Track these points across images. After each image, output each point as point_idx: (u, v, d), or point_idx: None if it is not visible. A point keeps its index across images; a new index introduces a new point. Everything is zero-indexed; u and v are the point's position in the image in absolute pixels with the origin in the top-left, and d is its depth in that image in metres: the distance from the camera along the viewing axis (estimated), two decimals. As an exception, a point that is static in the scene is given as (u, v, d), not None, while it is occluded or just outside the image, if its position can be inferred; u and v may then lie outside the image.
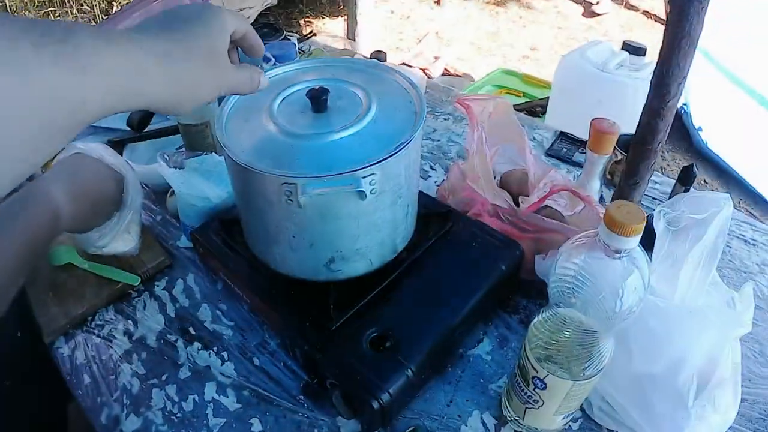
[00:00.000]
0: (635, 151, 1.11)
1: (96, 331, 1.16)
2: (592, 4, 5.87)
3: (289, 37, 1.71)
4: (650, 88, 1.02)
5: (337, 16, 5.81)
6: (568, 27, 5.71)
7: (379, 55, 1.72)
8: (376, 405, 0.83)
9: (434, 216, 1.13)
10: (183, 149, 1.37)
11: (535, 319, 0.83)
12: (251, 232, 0.99)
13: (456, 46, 5.35)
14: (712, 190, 3.03)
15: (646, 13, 5.82)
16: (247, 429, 0.97)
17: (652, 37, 4.81)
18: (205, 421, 0.98)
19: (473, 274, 1.03)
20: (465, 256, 1.06)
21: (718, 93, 3.58)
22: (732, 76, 3.50)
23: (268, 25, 1.66)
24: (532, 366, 0.81)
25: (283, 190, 0.78)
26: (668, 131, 1.07)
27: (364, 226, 0.87)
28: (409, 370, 0.87)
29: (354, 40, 4.48)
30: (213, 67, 0.64)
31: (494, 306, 1.13)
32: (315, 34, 2.24)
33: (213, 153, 1.24)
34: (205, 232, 1.14)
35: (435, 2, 6.32)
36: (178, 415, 1.00)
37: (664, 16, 5.16)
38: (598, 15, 5.78)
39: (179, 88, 0.59)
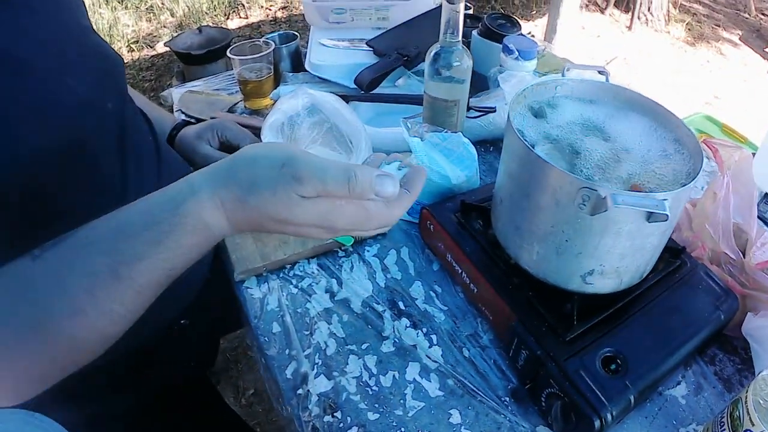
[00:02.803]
0: None
1: (294, 282, 1.22)
2: (781, 61, 5.74)
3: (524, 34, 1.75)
4: None
5: (529, 20, 5.88)
6: (753, 81, 5.59)
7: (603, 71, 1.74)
8: (597, 424, 0.86)
9: (667, 250, 1.14)
10: (419, 120, 1.41)
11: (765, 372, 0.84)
12: (509, 223, 1.03)
13: (641, 76, 5.31)
14: None
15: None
16: (445, 419, 0.99)
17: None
18: (402, 401, 1.01)
19: (695, 315, 1.04)
20: (689, 296, 1.08)
21: None
22: None
23: (506, 17, 1.70)
24: (750, 419, 0.82)
25: (580, 194, 0.82)
26: None
27: (635, 247, 0.91)
28: (632, 396, 0.90)
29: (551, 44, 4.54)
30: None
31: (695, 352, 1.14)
32: (533, 35, 2.27)
33: (459, 133, 1.27)
34: (442, 210, 1.18)
35: (627, 27, 6.33)
36: (374, 388, 1.03)
37: None
38: (786, 74, 5.64)
39: None
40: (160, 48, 5.82)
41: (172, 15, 6.53)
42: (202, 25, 4.98)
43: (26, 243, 0.74)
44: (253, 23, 6.42)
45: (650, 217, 0.83)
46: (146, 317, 0.77)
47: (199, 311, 1.31)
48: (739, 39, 6.36)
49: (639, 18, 6.43)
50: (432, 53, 1.26)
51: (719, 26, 6.62)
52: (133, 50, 5.83)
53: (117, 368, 0.90)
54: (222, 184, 0.73)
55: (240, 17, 6.57)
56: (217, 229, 0.74)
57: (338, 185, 0.70)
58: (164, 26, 6.32)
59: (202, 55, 4.42)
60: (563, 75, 1.09)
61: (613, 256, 0.91)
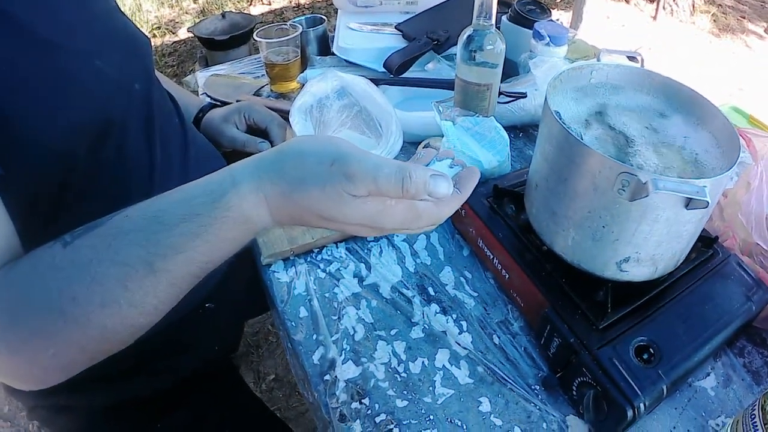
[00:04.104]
0: None
1: (321, 266, 1.21)
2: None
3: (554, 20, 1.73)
4: None
5: (554, 8, 5.89)
6: (779, 75, 5.56)
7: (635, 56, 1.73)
8: (630, 413, 0.85)
9: (700, 239, 1.13)
10: (450, 104, 1.39)
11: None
12: (544, 208, 1.01)
13: (666, 66, 5.28)
14: None
15: None
16: (474, 406, 0.98)
17: None
18: (431, 388, 1.00)
19: (727, 306, 1.03)
20: (721, 286, 1.06)
21: None
22: None
23: (536, 3, 1.68)
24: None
25: (620, 179, 0.80)
26: None
27: (672, 234, 0.89)
28: (665, 386, 0.88)
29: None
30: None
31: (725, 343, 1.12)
32: (560, 21, 2.25)
33: (492, 117, 1.25)
34: (474, 195, 1.14)
35: (652, 17, 6.31)
36: (403, 374, 1.02)
37: None
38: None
39: None
40: (183, 34, 5.84)
41: (195, 1, 6.54)
42: (225, 11, 4.98)
43: (54, 227, 0.74)
44: (276, 9, 6.43)
45: (689, 203, 0.81)
46: None
47: (224, 295, 1.31)
48: (765, 31, 6.30)
49: (664, 8, 6.39)
50: (465, 36, 1.24)
51: (745, 18, 6.57)
52: (156, 36, 5.85)
53: (141, 352, 0.88)
54: (267, 178, 0.70)
55: (263, 3, 6.59)
56: (259, 223, 0.72)
57: (391, 185, 0.67)
58: (186, 12, 6.34)
59: (225, 41, 4.42)
60: (599, 60, 1.08)
61: (650, 243, 0.90)
